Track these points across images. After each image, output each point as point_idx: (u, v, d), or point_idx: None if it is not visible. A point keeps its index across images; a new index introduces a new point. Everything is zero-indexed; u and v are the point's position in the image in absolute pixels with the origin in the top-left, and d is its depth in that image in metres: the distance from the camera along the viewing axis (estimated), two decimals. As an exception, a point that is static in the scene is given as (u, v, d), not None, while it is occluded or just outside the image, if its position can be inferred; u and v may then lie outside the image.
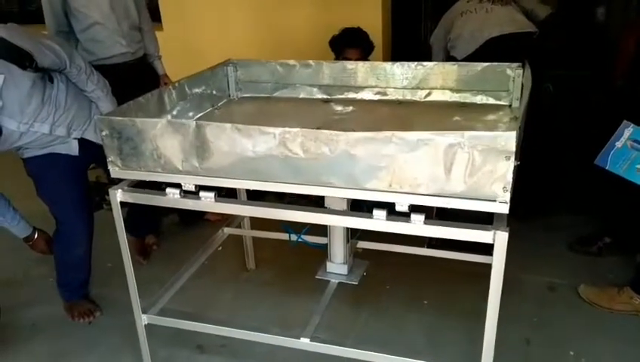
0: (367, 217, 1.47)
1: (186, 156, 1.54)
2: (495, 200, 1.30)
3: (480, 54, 2.73)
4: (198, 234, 2.83)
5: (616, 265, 2.59)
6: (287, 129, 1.40)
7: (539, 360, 2.07)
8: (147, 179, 1.65)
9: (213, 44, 3.50)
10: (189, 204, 1.67)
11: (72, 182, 2.24)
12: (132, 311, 1.91)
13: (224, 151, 1.49)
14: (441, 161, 1.30)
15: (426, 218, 1.42)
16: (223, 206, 1.65)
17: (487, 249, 1.40)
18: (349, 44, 2.95)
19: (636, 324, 2.20)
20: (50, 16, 2.53)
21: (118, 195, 1.70)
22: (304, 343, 1.74)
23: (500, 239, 1.33)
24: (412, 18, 3.94)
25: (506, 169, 1.26)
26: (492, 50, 2.68)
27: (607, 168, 2.02)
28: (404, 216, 1.42)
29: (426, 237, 2.24)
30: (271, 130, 1.41)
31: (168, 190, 1.65)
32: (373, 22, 3.49)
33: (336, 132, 1.36)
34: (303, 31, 3.70)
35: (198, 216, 3.14)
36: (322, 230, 2.06)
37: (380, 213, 1.45)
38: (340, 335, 2.13)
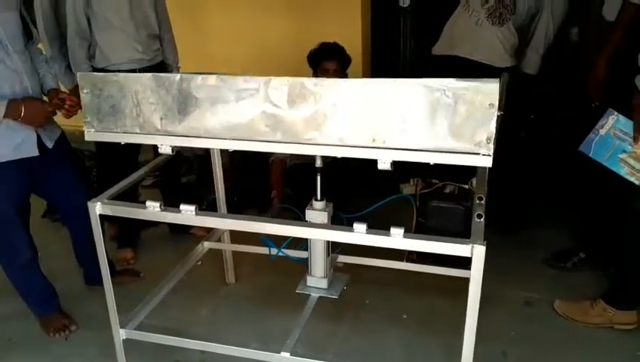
0: (348, 230, 1.48)
1: (165, 113, 1.52)
2: (478, 153, 1.31)
3: (439, 64, 2.79)
4: (179, 248, 2.81)
5: (591, 280, 2.63)
6: (272, 77, 1.40)
7: (516, 374, 2.09)
8: (123, 141, 1.63)
9: (192, 59, 3.51)
10: (169, 217, 1.67)
11: (13, 195, 2.18)
12: (109, 326, 1.88)
13: (206, 107, 1.48)
14: (425, 110, 1.31)
15: (405, 232, 1.44)
16: (203, 219, 1.65)
17: (465, 264, 1.43)
18: (328, 56, 3.08)
19: (610, 336, 2.24)
20: (72, 19, 2.57)
21: (97, 208, 1.69)
22: (284, 357, 1.74)
23: (477, 253, 1.35)
24: (392, 34, 4.00)
25: (490, 118, 1.27)
26: (447, 68, 2.74)
27: (590, 155, 2.03)
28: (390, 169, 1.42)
29: (405, 251, 2.29)
30: (256, 79, 1.41)
31: (148, 203, 1.65)
32: (352, 38, 3.55)
33: (322, 79, 1.38)
34: (284, 47, 3.73)
35: (185, 228, 3.12)
36: (303, 244, 2.07)
37: (360, 227, 1.46)
38: (320, 349, 2.12)
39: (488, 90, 1.26)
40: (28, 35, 2.19)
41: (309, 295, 2.03)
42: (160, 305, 2.09)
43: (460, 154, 1.33)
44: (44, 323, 2.41)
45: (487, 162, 1.32)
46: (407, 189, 2.94)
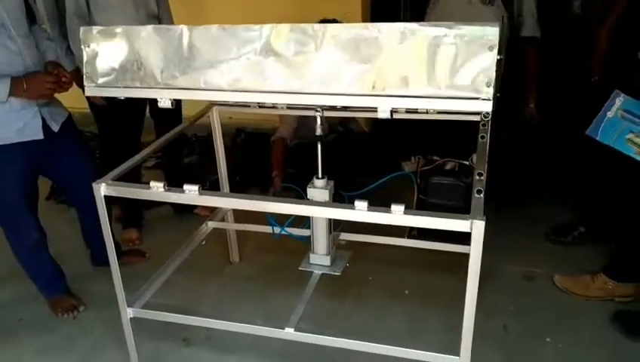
0: (349, 208, 1.49)
1: (167, 65, 1.53)
2: (478, 98, 1.31)
3: None
4: (183, 228, 2.83)
5: (591, 254, 2.65)
6: (274, 25, 1.41)
7: (516, 347, 2.12)
8: (123, 96, 1.63)
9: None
10: (173, 197, 1.68)
11: (20, 178, 2.19)
12: (116, 305, 1.91)
13: (208, 57, 1.48)
14: (425, 55, 1.31)
15: (406, 208, 1.45)
16: (207, 198, 1.66)
17: (466, 239, 1.44)
18: None
19: (611, 309, 2.27)
20: None
21: (101, 189, 1.71)
22: (288, 333, 1.77)
23: (477, 228, 1.36)
24: (391, 12, 3.97)
25: (490, 60, 1.27)
26: None
27: (597, 139, 2.04)
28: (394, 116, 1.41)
29: (406, 228, 2.31)
30: (257, 26, 1.42)
31: (152, 183, 1.66)
32: (352, 16, 3.52)
33: (324, 24, 1.38)
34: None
35: (189, 208, 3.15)
36: (306, 222, 2.10)
37: (361, 204, 1.48)
38: (323, 325, 2.14)
39: (488, 34, 1.26)
40: (32, 18, 2.19)
41: (312, 272, 2.06)
42: (165, 284, 2.12)
43: (459, 100, 1.32)
44: (52, 304, 2.46)
45: (487, 107, 1.31)
46: (409, 166, 2.96)
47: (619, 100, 2.01)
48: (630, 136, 1.98)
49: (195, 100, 2.19)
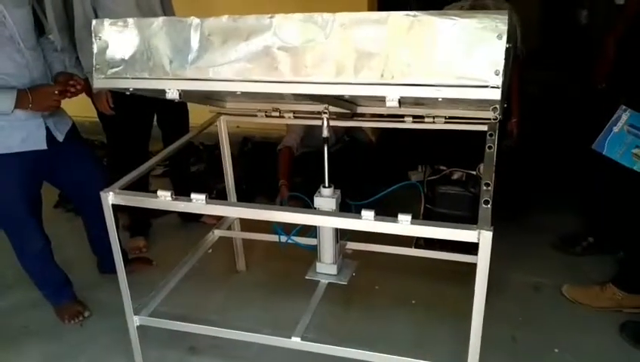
0: (356, 217, 1.49)
1: (176, 55, 1.53)
2: (487, 86, 1.30)
3: None
4: (190, 236, 2.84)
5: (600, 264, 2.64)
6: (283, 15, 1.41)
7: (524, 357, 2.11)
8: (132, 87, 1.63)
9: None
10: (180, 206, 1.69)
11: (23, 186, 2.20)
12: (123, 313, 1.92)
13: (216, 47, 1.48)
14: (433, 41, 1.31)
15: (413, 218, 1.45)
16: (213, 208, 1.67)
17: (474, 249, 1.43)
18: None
19: (620, 320, 2.25)
20: (80, 10, 2.58)
21: (109, 198, 1.72)
22: (295, 342, 1.77)
23: (484, 238, 1.35)
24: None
25: (498, 48, 1.27)
26: None
27: (604, 153, 2.04)
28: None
29: (413, 238, 2.30)
30: (267, 16, 1.43)
31: (160, 192, 1.67)
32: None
33: (331, 14, 1.38)
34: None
35: (195, 217, 3.16)
36: (312, 231, 2.09)
37: (368, 214, 1.47)
38: (330, 334, 2.15)
39: (497, 22, 1.26)
40: (40, 30, 2.21)
41: (319, 281, 2.05)
42: (172, 292, 2.12)
43: (468, 88, 1.31)
44: (58, 311, 2.46)
45: (495, 95, 1.30)
46: (416, 176, 2.96)
47: (625, 115, 2.01)
48: (636, 150, 1.98)
49: (203, 109, 2.23)
